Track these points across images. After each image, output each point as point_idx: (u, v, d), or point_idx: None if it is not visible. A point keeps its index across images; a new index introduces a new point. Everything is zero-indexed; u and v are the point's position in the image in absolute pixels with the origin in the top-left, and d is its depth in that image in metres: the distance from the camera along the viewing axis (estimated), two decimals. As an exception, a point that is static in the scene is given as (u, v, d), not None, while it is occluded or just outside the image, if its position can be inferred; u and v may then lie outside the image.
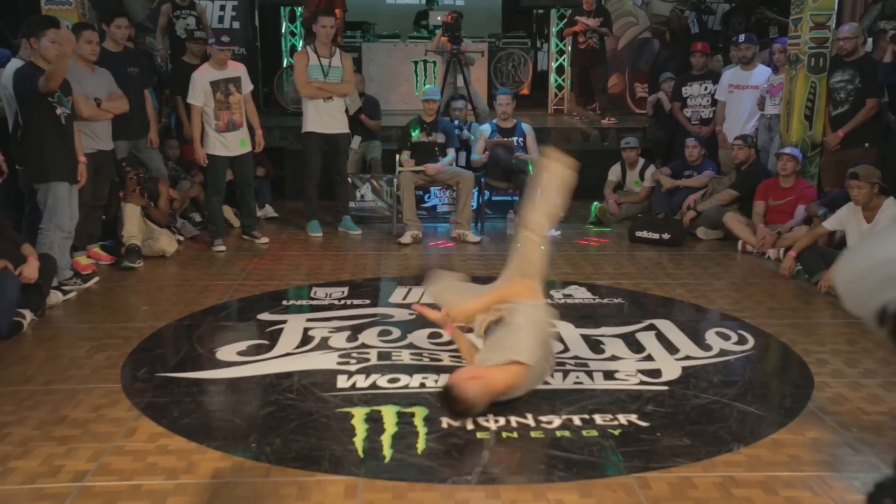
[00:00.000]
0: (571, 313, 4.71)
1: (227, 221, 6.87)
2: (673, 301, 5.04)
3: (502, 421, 3.27)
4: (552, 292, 5.13)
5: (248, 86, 6.37)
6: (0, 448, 3.06)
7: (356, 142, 7.81)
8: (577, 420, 3.30)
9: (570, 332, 4.38)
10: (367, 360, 3.96)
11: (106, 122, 5.63)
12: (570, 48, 9.79)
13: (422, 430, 3.21)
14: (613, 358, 4.01)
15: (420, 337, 4.27)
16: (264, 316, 4.67)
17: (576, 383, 3.69)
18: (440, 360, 3.95)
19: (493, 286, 3.81)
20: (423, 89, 8.42)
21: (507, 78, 11.51)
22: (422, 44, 10.59)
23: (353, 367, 3.85)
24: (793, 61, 6.69)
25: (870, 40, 7.15)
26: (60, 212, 4.98)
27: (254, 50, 10.02)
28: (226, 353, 4.05)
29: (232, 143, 6.29)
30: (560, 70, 11.12)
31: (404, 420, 3.29)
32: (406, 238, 6.55)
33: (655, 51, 10.87)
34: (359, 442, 3.11)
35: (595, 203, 7.42)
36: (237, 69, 6.34)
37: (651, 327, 4.47)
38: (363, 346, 4.16)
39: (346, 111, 6.96)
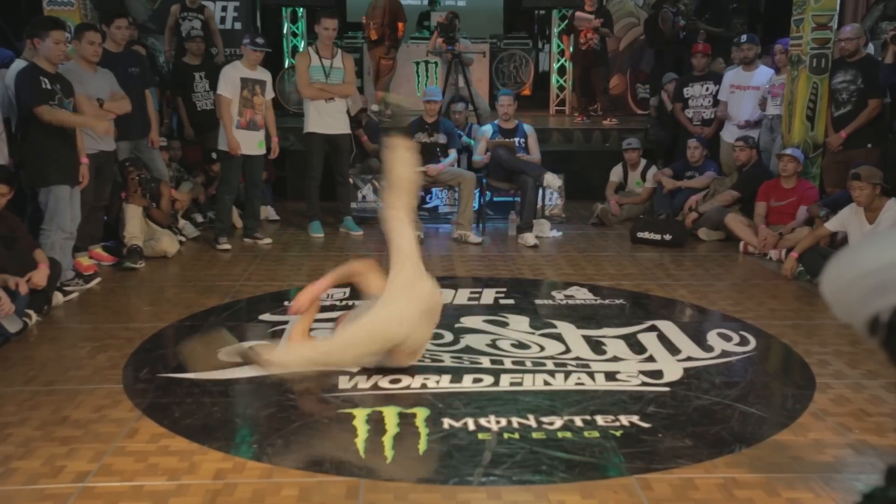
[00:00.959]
0: (573, 314, 4.71)
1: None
2: (674, 302, 5.04)
3: (504, 422, 3.27)
4: (554, 293, 5.14)
5: (270, 93, 6.50)
6: (2, 448, 3.06)
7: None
8: (578, 421, 3.30)
9: (572, 332, 4.38)
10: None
11: (108, 123, 5.63)
12: (571, 49, 9.78)
13: (423, 430, 3.21)
14: (615, 359, 4.00)
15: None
16: (266, 317, 4.68)
17: (577, 384, 3.69)
18: (441, 361, 3.95)
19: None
20: (424, 90, 8.42)
21: (509, 79, 11.52)
22: (423, 45, 10.59)
23: (354, 368, 3.85)
24: (794, 62, 6.68)
25: (871, 42, 7.14)
26: (62, 213, 4.99)
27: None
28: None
29: (250, 142, 6.37)
30: (562, 71, 11.12)
31: (406, 421, 3.29)
32: (407, 238, 6.54)
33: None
34: (360, 443, 3.11)
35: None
36: (265, 73, 6.48)
37: (653, 328, 4.47)
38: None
39: (348, 112, 6.96)
